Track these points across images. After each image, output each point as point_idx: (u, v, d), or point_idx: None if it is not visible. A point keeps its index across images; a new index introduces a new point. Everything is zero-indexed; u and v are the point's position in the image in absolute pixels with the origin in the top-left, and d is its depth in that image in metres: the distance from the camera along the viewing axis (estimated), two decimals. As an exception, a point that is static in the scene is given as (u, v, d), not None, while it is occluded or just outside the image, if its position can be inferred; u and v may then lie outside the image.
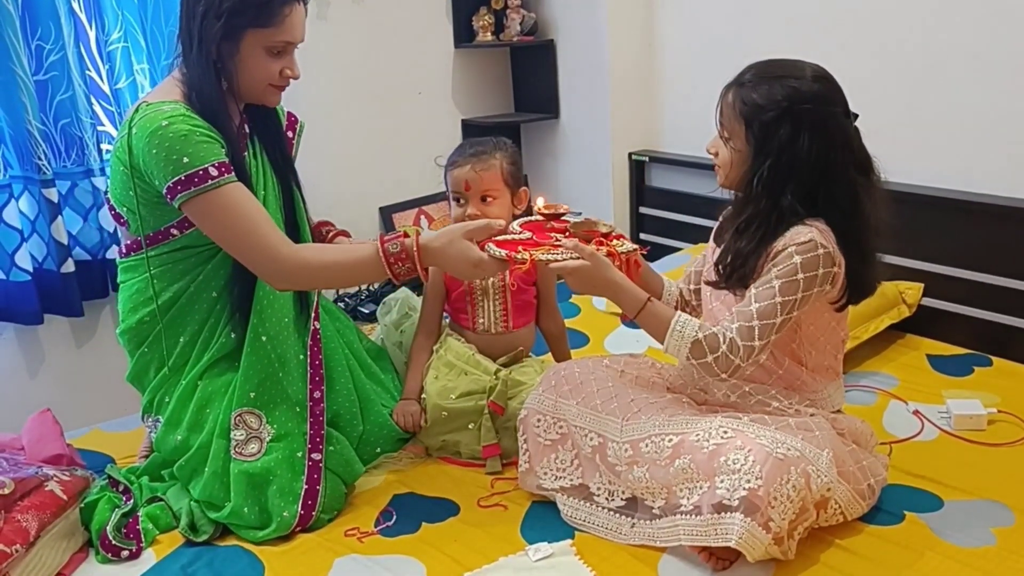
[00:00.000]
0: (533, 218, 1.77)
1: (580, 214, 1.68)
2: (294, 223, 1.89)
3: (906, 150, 2.48)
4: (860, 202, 1.60)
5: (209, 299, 1.80)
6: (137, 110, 1.69)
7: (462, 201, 1.99)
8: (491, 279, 2.02)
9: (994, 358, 2.29)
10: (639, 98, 3.14)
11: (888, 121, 2.51)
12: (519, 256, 1.59)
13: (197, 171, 1.63)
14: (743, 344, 1.55)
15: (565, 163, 3.37)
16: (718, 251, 1.70)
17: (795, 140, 1.55)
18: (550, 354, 2.17)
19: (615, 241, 1.67)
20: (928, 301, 2.42)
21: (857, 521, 1.62)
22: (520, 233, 1.72)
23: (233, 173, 1.67)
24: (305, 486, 1.70)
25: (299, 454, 1.72)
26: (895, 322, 2.38)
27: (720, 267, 1.65)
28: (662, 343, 1.60)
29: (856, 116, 1.63)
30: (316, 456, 1.74)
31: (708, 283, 1.70)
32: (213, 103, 1.70)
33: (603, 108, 3.13)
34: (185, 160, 1.62)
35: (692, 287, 1.90)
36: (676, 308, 1.88)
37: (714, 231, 1.79)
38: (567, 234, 1.68)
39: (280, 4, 1.69)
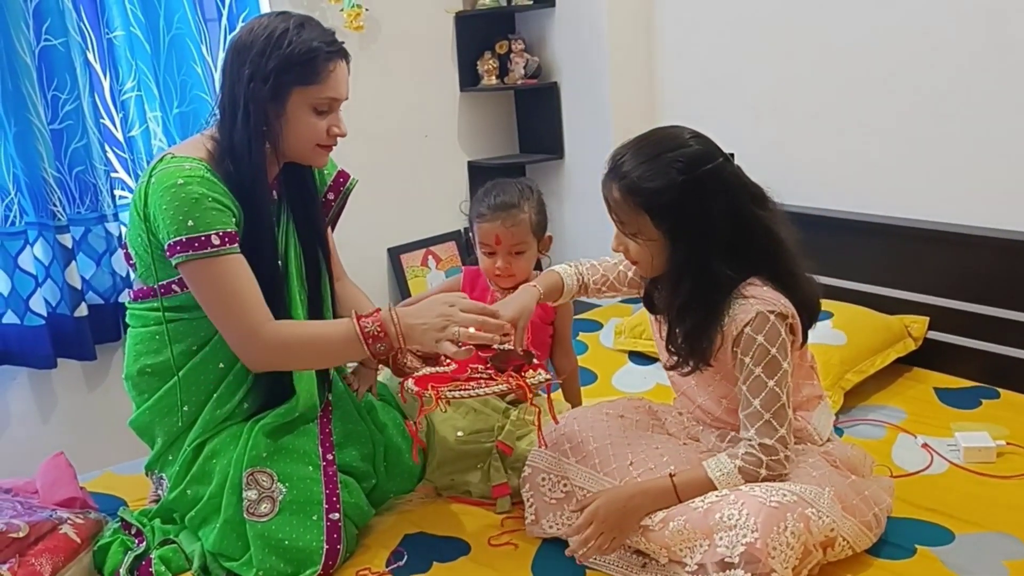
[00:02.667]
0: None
1: (504, 344, 1.73)
2: (318, 293, 1.88)
3: (910, 185, 2.51)
4: (775, 234, 1.61)
5: (216, 370, 1.76)
6: (161, 160, 1.70)
7: (491, 254, 2.00)
8: None
9: (1001, 390, 2.29)
10: (642, 138, 3.19)
11: (891, 156, 2.55)
12: (427, 395, 1.63)
13: (199, 236, 1.63)
14: (773, 441, 1.55)
15: (570, 202, 3.41)
16: (664, 326, 1.69)
17: (704, 207, 1.54)
18: (560, 392, 2.18)
19: (528, 372, 1.70)
20: (934, 334, 2.43)
21: (868, 555, 1.61)
22: (449, 365, 1.76)
23: (236, 244, 1.67)
24: (326, 546, 1.68)
25: (315, 517, 1.70)
26: (901, 356, 2.39)
27: (673, 348, 1.65)
28: (717, 491, 1.55)
29: (733, 156, 1.63)
30: (335, 516, 1.72)
31: (671, 369, 1.69)
32: (254, 170, 1.69)
33: (606, 148, 3.14)
34: (190, 223, 1.62)
35: (603, 288, 1.89)
36: (577, 295, 1.89)
37: (643, 297, 1.78)
38: (487, 366, 1.72)
39: (324, 60, 1.68)
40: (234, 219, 1.69)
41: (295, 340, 1.69)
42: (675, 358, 1.66)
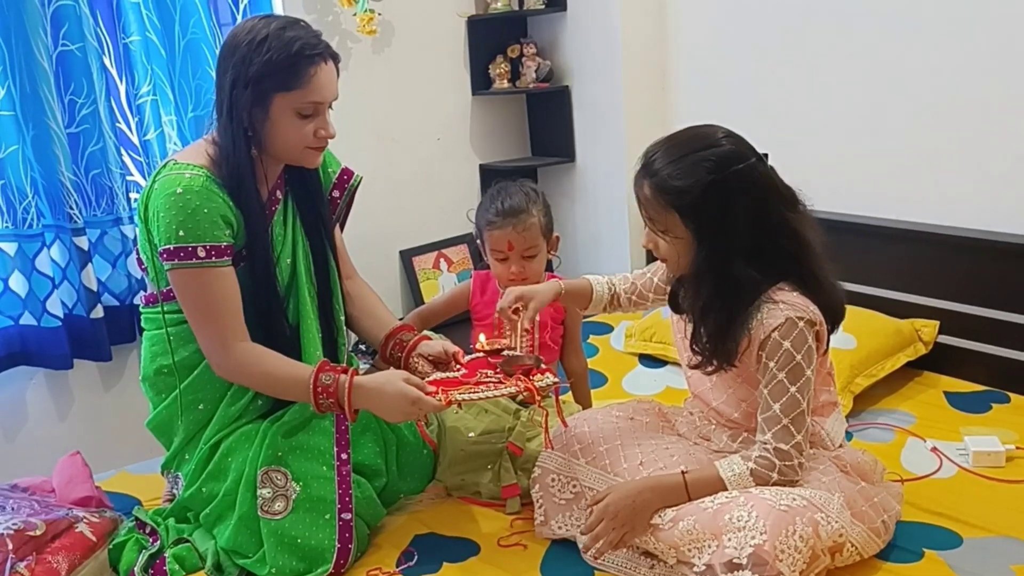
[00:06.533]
0: (477, 356, 1.84)
1: (514, 350, 1.78)
2: (327, 289, 1.90)
3: (921, 189, 2.51)
4: (802, 237, 1.61)
5: None
6: (165, 166, 1.73)
7: (503, 260, 2.03)
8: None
9: (1012, 395, 2.29)
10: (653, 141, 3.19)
11: (902, 161, 2.55)
12: (437, 399, 1.65)
13: (186, 247, 1.66)
14: (789, 447, 1.56)
15: (582, 205, 3.42)
16: (687, 326, 1.69)
17: (730, 208, 1.54)
18: (570, 394, 2.19)
19: (536, 376, 1.72)
20: (944, 338, 2.43)
21: (876, 559, 1.62)
22: (459, 370, 1.80)
23: (226, 258, 1.69)
24: (338, 545, 1.71)
25: (327, 516, 1.72)
26: (911, 360, 2.39)
27: (697, 348, 1.66)
28: (727, 492, 1.56)
29: (767, 156, 1.63)
30: (347, 516, 1.74)
31: (694, 367, 1.70)
32: (241, 173, 1.71)
33: (618, 151, 3.19)
34: (181, 233, 1.65)
35: (633, 297, 1.93)
36: (609, 306, 1.93)
37: (669, 296, 1.79)
38: (496, 370, 1.75)
39: (306, 65, 1.68)
40: (230, 230, 1.71)
41: (256, 369, 1.73)
42: (699, 357, 1.66)
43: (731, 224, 1.55)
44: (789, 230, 1.60)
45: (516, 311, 1.77)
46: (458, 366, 1.82)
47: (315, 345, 1.83)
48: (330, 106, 1.77)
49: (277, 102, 1.69)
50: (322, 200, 1.92)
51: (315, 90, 1.70)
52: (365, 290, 2.06)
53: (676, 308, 1.77)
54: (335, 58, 1.75)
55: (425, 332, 2.00)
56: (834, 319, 1.66)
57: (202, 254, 1.67)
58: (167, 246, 1.67)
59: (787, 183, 1.64)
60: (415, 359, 1.88)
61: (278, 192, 1.85)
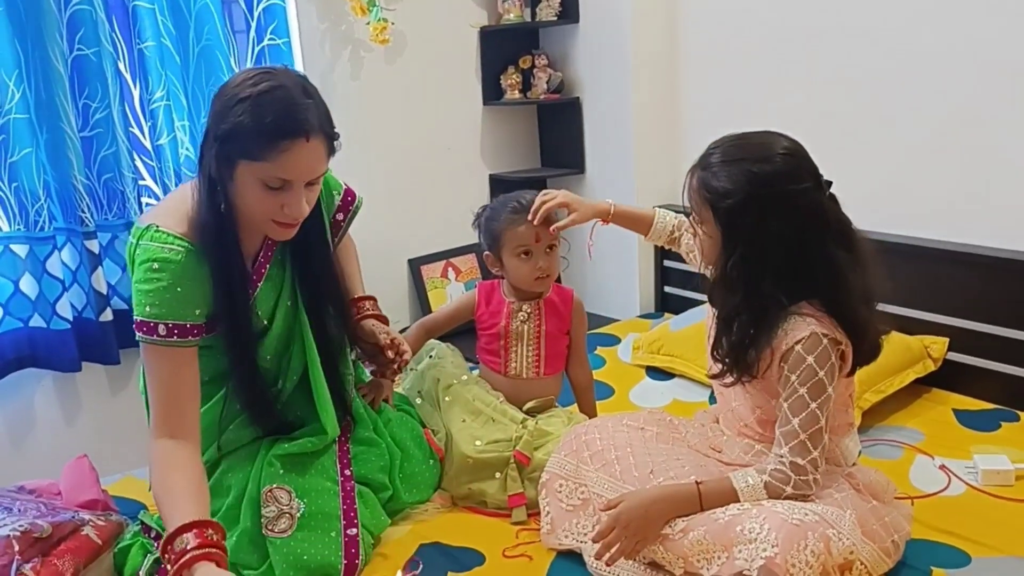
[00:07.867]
0: None
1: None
2: (326, 340, 1.84)
3: (929, 206, 2.51)
4: (842, 276, 1.58)
5: (226, 410, 1.78)
6: (147, 229, 1.63)
7: (527, 255, 2.04)
8: (526, 325, 2.07)
9: (1021, 413, 2.28)
10: (662, 155, 3.20)
11: (911, 178, 2.54)
12: None
13: (149, 322, 1.61)
14: (805, 462, 1.55)
15: (591, 217, 3.42)
16: (712, 327, 1.69)
17: (762, 224, 1.53)
18: (576, 405, 2.19)
19: None
20: (953, 356, 2.42)
21: (884, 577, 1.61)
22: None
23: (191, 338, 1.63)
24: (344, 561, 1.70)
25: (332, 534, 1.71)
26: (920, 376, 2.38)
27: (718, 356, 1.65)
28: (739, 504, 1.55)
29: (830, 184, 1.61)
30: (352, 532, 1.73)
31: (714, 378, 1.69)
32: (208, 228, 1.62)
33: (627, 164, 3.19)
34: (147, 309, 1.61)
35: (679, 240, 2.03)
36: (670, 239, 2.05)
37: (708, 291, 1.77)
38: None
39: (277, 138, 1.51)
40: (204, 307, 1.65)
41: (154, 472, 1.64)
42: (719, 366, 1.66)
43: (764, 240, 1.54)
44: (829, 266, 1.57)
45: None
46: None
47: (326, 401, 1.81)
48: (313, 183, 1.60)
49: (241, 168, 1.55)
50: (321, 240, 1.81)
51: (284, 167, 1.54)
52: (341, 253, 1.96)
53: (714, 304, 1.76)
54: (327, 135, 1.59)
55: (372, 312, 1.99)
56: (865, 357, 1.65)
57: (163, 332, 1.62)
58: (135, 317, 1.64)
59: (844, 218, 1.61)
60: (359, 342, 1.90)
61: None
